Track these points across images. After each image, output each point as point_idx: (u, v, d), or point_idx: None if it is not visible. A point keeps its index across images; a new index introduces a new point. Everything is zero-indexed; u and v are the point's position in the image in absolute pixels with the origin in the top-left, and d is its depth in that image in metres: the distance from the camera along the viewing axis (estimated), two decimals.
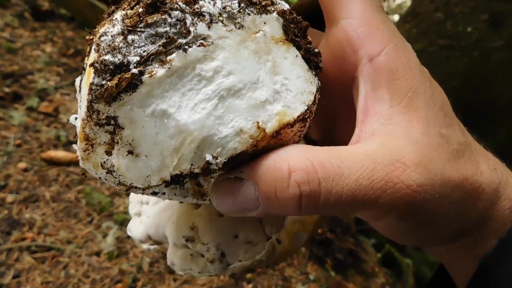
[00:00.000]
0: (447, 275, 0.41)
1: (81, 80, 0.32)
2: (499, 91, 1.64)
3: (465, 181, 0.31)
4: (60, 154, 1.95)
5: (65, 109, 2.27)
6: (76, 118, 0.32)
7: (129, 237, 1.67)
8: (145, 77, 0.26)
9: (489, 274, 0.34)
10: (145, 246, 0.46)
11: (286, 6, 0.31)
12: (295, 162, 0.28)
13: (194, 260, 0.41)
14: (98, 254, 1.61)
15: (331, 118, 0.41)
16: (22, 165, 1.86)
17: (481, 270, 0.34)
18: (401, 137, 0.30)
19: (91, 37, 0.29)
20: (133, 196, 0.50)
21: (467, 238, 0.34)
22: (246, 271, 0.42)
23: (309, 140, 0.45)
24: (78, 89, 0.32)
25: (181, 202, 0.43)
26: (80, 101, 0.31)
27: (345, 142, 0.37)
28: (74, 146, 0.33)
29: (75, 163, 1.94)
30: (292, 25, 0.31)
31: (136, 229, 0.46)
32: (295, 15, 0.31)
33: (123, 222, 1.74)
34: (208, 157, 0.28)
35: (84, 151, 0.30)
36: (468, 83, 1.64)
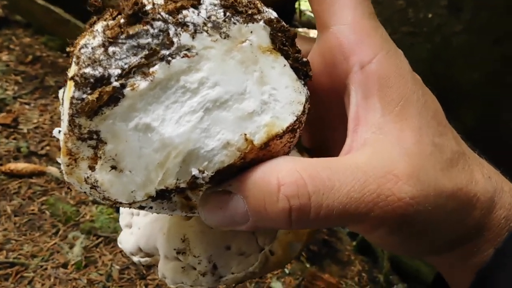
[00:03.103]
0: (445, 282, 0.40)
1: (63, 93, 0.31)
2: (462, 75, 1.67)
3: (459, 191, 0.30)
4: (20, 166, 1.89)
5: (25, 118, 2.19)
6: (59, 132, 0.32)
7: (97, 245, 1.64)
8: (127, 90, 0.25)
9: (486, 285, 0.33)
10: (135, 259, 0.45)
11: (273, 15, 0.30)
12: (284, 175, 0.27)
13: (186, 273, 0.40)
14: (65, 265, 1.57)
15: (323, 126, 0.41)
16: None
17: (478, 281, 0.34)
18: (392, 147, 0.29)
19: (72, 49, 0.28)
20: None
21: (463, 248, 0.33)
22: (238, 283, 0.41)
23: (302, 147, 0.44)
24: (61, 101, 0.31)
25: (171, 215, 0.42)
26: (63, 115, 0.30)
27: (339, 150, 0.36)
28: (58, 159, 0.32)
29: (37, 174, 1.88)
30: (279, 34, 0.30)
31: (126, 241, 0.45)
32: (283, 23, 0.30)
33: (90, 231, 1.71)
34: (194, 171, 0.27)
35: (68, 165, 0.29)
36: (432, 69, 1.66)
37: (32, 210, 1.75)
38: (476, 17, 1.62)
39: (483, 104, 1.67)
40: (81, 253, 1.63)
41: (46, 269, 1.54)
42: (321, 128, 0.41)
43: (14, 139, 2.05)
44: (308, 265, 1.89)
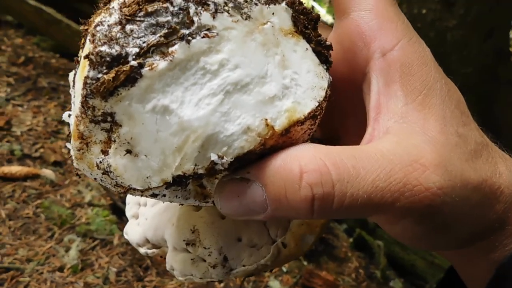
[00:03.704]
0: (456, 279, 0.39)
1: (75, 74, 0.29)
2: (456, 69, 1.70)
3: (484, 182, 0.29)
4: (14, 169, 1.84)
5: (18, 120, 2.14)
6: (69, 115, 0.30)
7: (93, 248, 1.61)
8: (145, 70, 0.24)
9: (507, 280, 0.32)
10: (142, 250, 0.44)
11: None
12: (307, 162, 0.26)
13: (195, 265, 0.39)
14: (61, 269, 1.53)
15: (337, 116, 0.40)
16: None
17: (498, 276, 0.33)
18: (417, 136, 0.28)
19: (86, 27, 0.27)
20: (130, 197, 0.48)
21: (484, 242, 0.32)
22: (249, 276, 0.40)
23: (313, 139, 0.43)
24: (71, 83, 0.30)
25: (182, 204, 0.41)
26: (74, 97, 0.29)
27: (351, 141, 0.35)
28: (67, 144, 0.30)
29: (31, 177, 1.84)
30: (302, 16, 0.29)
31: (133, 232, 0.44)
32: (304, 5, 0.29)
33: (86, 234, 1.68)
34: (214, 157, 0.26)
35: (78, 150, 0.28)
36: None
37: (27, 213, 1.71)
38: (469, 11, 1.63)
39: (476, 98, 1.69)
40: (77, 256, 1.60)
41: (42, 273, 1.50)
42: (333, 118, 0.40)
43: (8, 141, 2.00)
44: (305, 263, 1.89)
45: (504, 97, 1.74)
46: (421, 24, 1.69)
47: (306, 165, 0.26)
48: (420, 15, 1.70)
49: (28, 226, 1.67)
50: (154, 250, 0.44)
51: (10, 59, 2.59)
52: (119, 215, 1.75)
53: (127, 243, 1.66)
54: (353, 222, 2.16)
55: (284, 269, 1.81)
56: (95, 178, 0.30)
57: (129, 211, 0.46)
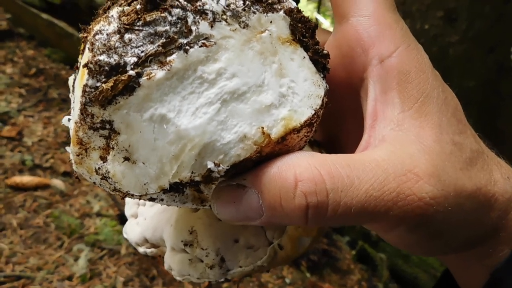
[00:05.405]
0: (451, 282, 0.40)
1: (74, 80, 0.30)
2: (459, 83, 1.70)
3: (478, 191, 0.30)
4: (25, 179, 1.88)
5: (29, 131, 2.17)
6: (69, 120, 0.31)
7: (101, 257, 1.63)
8: (143, 79, 0.25)
9: (501, 285, 0.33)
10: (141, 249, 0.44)
11: (293, 4, 0.29)
12: (302, 171, 0.27)
13: (193, 265, 0.40)
14: (70, 278, 1.56)
15: (336, 119, 0.40)
16: None
17: (493, 281, 0.33)
18: (412, 144, 0.28)
19: (85, 34, 0.27)
20: None
21: (479, 248, 0.33)
22: (246, 276, 0.41)
23: (312, 141, 0.44)
24: (71, 89, 0.30)
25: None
26: (73, 102, 0.29)
27: (350, 144, 0.35)
28: (67, 148, 0.31)
29: (42, 187, 1.88)
30: (299, 25, 0.29)
31: (132, 231, 0.45)
32: (303, 14, 0.29)
33: (95, 243, 1.70)
34: (210, 165, 0.26)
35: (78, 155, 0.29)
36: None
37: (37, 223, 1.74)
38: (471, 26, 1.65)
39: (479, 113, 1.69)
40: (86, 265, 1.62)
41: (51, 282, 1.53)
42: (332, 122, 0.40)
43: (19, 152, 2.03)
44: (308, 275, 1.89)
45: (506, 111, 1.74)
46: (424, 40, 1.70)
47: (301, 173, 0.26)
48: (423, 30, 1.71)
49: (39, 235, 1.70)
50: (153, 249, 0.44)
51: (22, 71, 2.62)
52: None
53: (134, 253, 1.68)
54: (355, 235, 2.15)
55: (287, 281, 1.83)
56: (94, 182, 0.31)
57: (128, 210, 0.47)
